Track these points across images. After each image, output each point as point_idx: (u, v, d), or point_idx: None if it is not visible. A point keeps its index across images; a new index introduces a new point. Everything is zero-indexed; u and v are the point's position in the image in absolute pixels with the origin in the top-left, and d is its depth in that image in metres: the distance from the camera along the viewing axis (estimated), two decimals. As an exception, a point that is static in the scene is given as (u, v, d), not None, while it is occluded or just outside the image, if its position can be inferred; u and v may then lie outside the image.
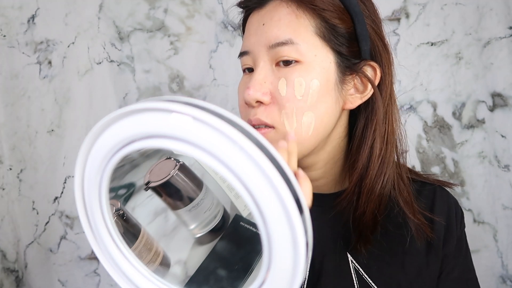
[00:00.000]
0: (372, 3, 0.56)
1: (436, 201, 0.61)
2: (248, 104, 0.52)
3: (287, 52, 0.50)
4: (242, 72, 0.58)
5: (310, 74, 0.51)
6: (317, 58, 0.51)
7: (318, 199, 0.61)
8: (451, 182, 0.65)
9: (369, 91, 0.55)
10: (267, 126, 0.52)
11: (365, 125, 0.56)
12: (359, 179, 0.55)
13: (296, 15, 0.51)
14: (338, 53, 0.52)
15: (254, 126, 0.52)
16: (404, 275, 0.57)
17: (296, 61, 0.51)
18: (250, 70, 0.55)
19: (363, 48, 0.54)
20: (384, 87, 0.56)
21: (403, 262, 0.58)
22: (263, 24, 0.52)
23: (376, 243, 0.57)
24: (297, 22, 0.51)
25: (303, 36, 0.51)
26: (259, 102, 0.52)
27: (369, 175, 0.55)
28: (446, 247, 0.59)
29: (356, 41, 0.53)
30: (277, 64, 0.52)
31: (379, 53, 0.55)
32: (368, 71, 0.55)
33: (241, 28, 0.61)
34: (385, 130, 0.56)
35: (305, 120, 0.51)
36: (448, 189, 0.64)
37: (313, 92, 0.51)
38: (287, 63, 0.51)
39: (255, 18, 0.54)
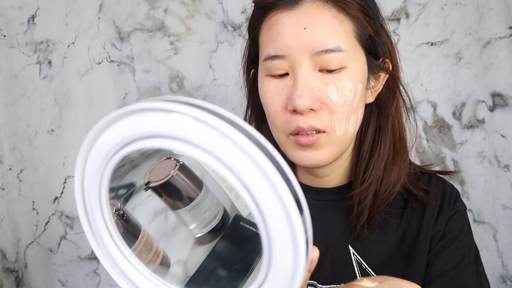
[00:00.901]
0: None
1: (431, 184, 0.63)
2: (299, 112, 0.51)
3: (334, 60, 0.50)
4: (242, 72, 0.57)
5: (356, 78, 0.51)
6: (358, 61, 0.52)
7: (323, 193, 0.62)
8: (451, 170, 0.67)
9: (380, 86, 0.57)
10: (317, 131, 0.52)
11: (377, 122, 0.59)
12: (369, 177, 0.57)
13: (339, 20, 0.50)
14: (368, 53, 0.54)
15: (305, 132, 0.52)
16: (403, 265, 0.58)
17: (341, 67, 0.51)
18: (283, 75, 0.53)
19: (379, 46, 0.55)
20: (394, 78, 0.58)
21: (403, 253, 0.59)
22: (305, 28, 0.50)
23: (376, 234, 0.58)
24: (341, 27, 0.50)
25: (348, 41, 0.51)
26: (310, 109, 0.51)
27: (383, 175, 0.57)
28: (436, 226, 0.59)
29: (375, 40, 0.54)
30: (321, 69, 0.51)
31: (388, 49, 0.57)
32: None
33: (251, 25, 0.57)
34: (397, 125, 0.58)
35: (351, 122, 0.53)
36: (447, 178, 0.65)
37: (358, 96, 0.52)
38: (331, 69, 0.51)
39: (290, 20, 0.51)
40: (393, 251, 0.59)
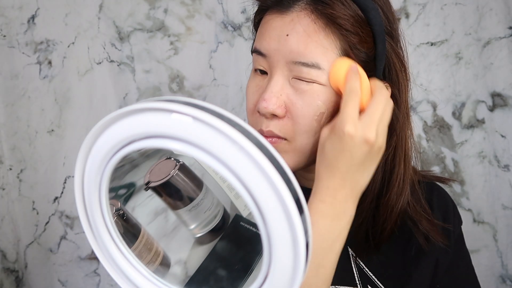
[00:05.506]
0: (393, 13, 0.54)
1: (434, 201, 0.61)
2: (262, 115, 0.51)
3: (309, 75, 0.48)
4: (241, 72, 0.57)
5: (329, 97, 0.49)
6: None
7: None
8: (449, 178, 0.65)
9: None
10: (278, 137, 0.51)
11: None
12: (376, 196, 0.55)
13: (325, 34, 0.48)
14: None
15: (265, 137, 0.51)
16: (403, 267, 0.58)
17: (317, 82, 0.49)
18: (263, 72, 0.53)
19: (379, 67, 0.52)
20: (401, 105, 0.54)
21: (403, 257, 0.58)
22: (287, 35, 0.49)
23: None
24: (325, 42, 0.48)
25: (328, 58, 0.48)
26: (273, 115, 0.50)
27: (388, 194, 0.54)
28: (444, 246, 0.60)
29: (373, 61, 0.52)
30: (295, 77, 0.50)
31: (395, 71, 0.53)
32: None
33: (253, 20, 0.57)
34: (403, 148, 0.55)
35: (317, 137, 0.50)
36: (445, 187, 0.64)
37: (329, 113, 0.50)
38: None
39: (277, 23, 0.50)
40: (394, 256, 0.58)
